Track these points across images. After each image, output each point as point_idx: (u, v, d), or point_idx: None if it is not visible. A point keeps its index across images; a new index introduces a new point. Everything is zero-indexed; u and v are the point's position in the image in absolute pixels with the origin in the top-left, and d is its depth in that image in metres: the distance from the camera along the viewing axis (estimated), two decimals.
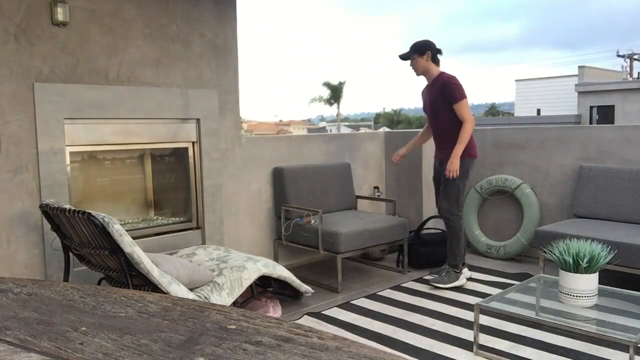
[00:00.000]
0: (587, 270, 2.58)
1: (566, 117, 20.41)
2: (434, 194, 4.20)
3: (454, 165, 3.73)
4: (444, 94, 3.80)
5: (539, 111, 23.99)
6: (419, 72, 3.89)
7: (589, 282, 2.59)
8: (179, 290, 2.74)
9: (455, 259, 3.89)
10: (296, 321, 3.23)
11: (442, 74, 3.86)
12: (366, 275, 4.31)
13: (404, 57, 3.90)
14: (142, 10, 3.57)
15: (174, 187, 4.11)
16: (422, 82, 4.03)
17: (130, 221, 3.89)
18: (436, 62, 3.88)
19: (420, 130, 4.40)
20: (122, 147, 3.66)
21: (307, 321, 3.27)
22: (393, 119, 43.49)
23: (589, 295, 2.60)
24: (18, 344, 0.89)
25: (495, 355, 2.74)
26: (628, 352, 2.41)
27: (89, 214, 2.55)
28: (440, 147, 3.97)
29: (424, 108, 4.05)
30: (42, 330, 0.95)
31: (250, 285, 3.19)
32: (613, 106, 19.95)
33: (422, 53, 3.83)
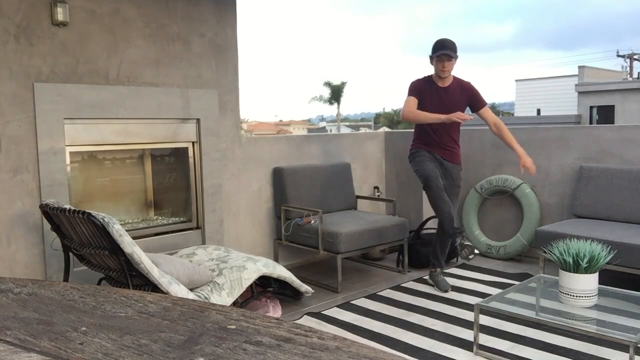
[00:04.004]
0: (587, 270, 2.58)
1: (566, 117, 20.40)
2: (444, 200, 3.65)
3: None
4: (470, 98, 3.80)
5: (539, 111, 23.98)
6: (449, 73, 3.74)
7: (589, 282, 2.59)
8: (179, 290, 2.74)
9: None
10: (296, 321, 3.23)
11: (457, 78, 3.81)
12: (366, 275, 4.31)
13: (454, 55, 3.67)
14: (142, 10, 3.57)
15: (174, 187, 4.11)
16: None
17: (130, 221, 3.89)
18: None
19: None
20: (122, 147, 3.66)
21: (307, 321, 3.27)
22: (393, 119, 43.49)
23: (589, 295, 2.60)
24: (18, 344, 0.89)
25: (495, 355, 2.74)
26: (628, 352, 2.41)
27: (89, 214, 2.55)
28: (446, 148, 3.85)
29: (432, 108, 3.72)
30: (42, 330, 0.95)
31: (250, 285, 3.19)
32: (613, 106, 19.95)
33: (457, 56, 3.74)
